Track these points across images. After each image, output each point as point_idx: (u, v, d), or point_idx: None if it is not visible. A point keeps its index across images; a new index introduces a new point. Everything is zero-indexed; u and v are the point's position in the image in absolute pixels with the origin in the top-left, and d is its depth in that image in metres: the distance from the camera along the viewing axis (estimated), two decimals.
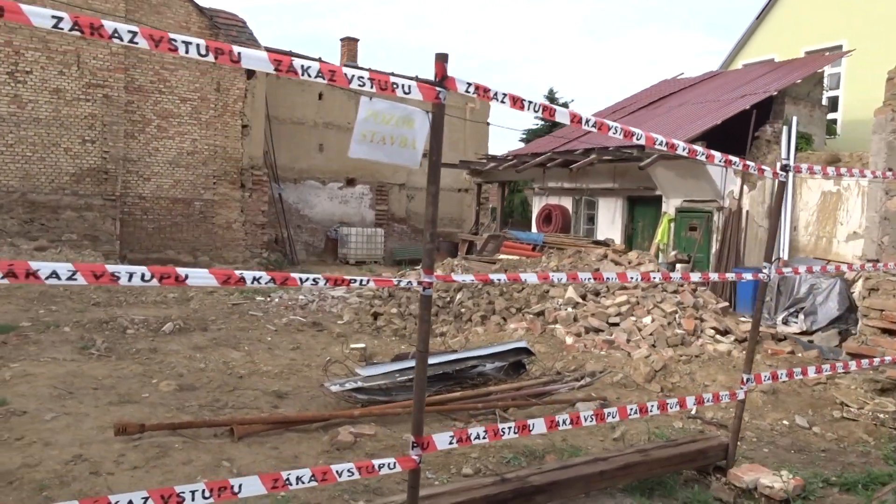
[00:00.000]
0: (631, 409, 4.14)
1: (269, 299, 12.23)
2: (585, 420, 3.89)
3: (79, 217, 16.43)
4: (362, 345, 8.13)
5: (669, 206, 15.50)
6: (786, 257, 14.36)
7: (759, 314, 4.95)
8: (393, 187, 24.38)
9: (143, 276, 2.38)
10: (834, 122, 18.01)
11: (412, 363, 6.30)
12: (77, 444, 4.75)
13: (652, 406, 4.27)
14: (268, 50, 19.71)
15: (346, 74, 2.63)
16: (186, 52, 2.29)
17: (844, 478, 4.99)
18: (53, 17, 2.05)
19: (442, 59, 2.86)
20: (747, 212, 14.35)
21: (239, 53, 2.38)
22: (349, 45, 24.00)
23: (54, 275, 2.21)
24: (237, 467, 4.58)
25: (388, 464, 3.05)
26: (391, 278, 3.29)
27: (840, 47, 18.49)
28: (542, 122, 41.44)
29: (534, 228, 18.95)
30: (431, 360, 6.39)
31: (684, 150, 4.13)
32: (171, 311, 10.82)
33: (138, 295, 12.32)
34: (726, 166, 4.58)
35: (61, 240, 16.08)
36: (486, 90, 3.00)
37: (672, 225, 15.46)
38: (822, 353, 8.77)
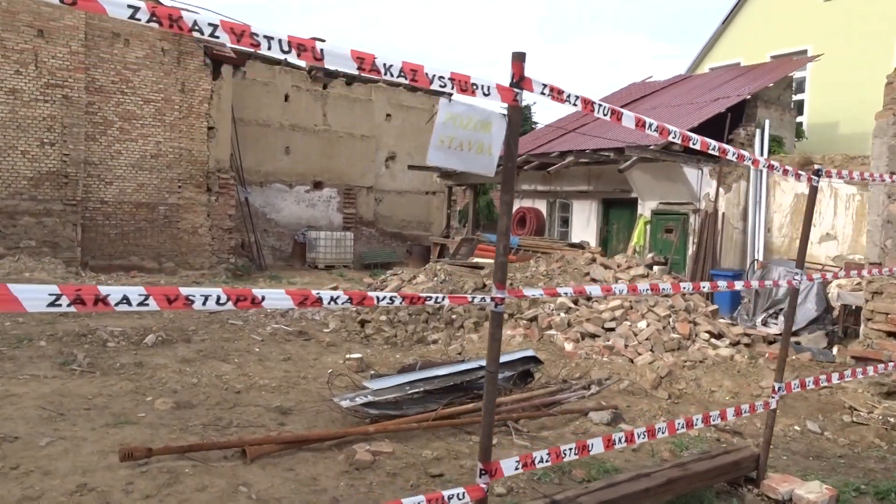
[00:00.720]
0: (678, 424, 3.99)
1: None
2: (638, 437, 3.75)
3: (37, 223, 15.74)
4: (358, 355, 7.85)
5: (645, 209, 15.55)
6: (761, 259, 14.52)
7: (790, 322, 4.86)
8: (361, 190, 24.05)
9: (218, 298, 2.12)
10: (800, 124, 18.31)
11: (421, 375, 6.09)
12: (79, 471, 4.40)
13: (697, 419, 4.14)
14: (234, 51, 19.23)
15: (427, 74, 2.41)
16: (269, 48, 2.04)
17: (874, 486, 4.94)
18: (130, 6, 1.79)
19: (519, 58, 2.66)
20: (723, 214, 14.45)
21: (322, 50, 2.14)
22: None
23: (125, 300, 1.94)
24: (255, 492, 4.30)
25: (458, 494, 2.83)
26: (465, 295, 3.07)
27: (805, 52, 18.84)
28: None
29: None
30: (442, 371, 6.19)
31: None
32: (147, 321, 10.37)
33: None
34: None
35: (19, 247, 15.39)
36: (560, 92, 2.80)
37: (648, 227, 15.51)
38: (814, 355, 8.81)
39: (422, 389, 5.92)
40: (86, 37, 15.95)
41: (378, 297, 2.52)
